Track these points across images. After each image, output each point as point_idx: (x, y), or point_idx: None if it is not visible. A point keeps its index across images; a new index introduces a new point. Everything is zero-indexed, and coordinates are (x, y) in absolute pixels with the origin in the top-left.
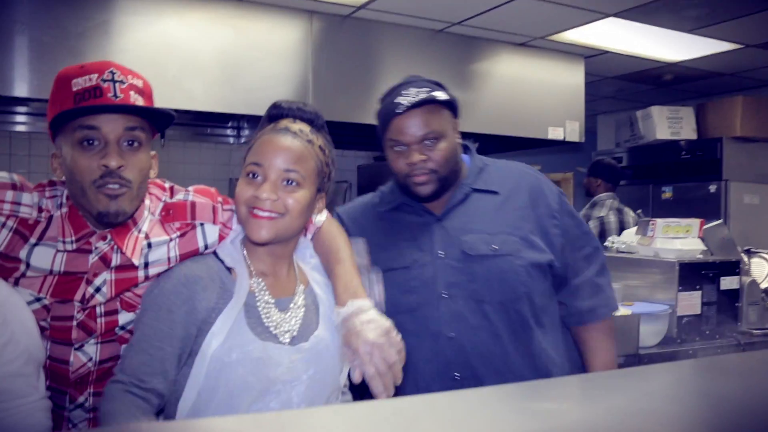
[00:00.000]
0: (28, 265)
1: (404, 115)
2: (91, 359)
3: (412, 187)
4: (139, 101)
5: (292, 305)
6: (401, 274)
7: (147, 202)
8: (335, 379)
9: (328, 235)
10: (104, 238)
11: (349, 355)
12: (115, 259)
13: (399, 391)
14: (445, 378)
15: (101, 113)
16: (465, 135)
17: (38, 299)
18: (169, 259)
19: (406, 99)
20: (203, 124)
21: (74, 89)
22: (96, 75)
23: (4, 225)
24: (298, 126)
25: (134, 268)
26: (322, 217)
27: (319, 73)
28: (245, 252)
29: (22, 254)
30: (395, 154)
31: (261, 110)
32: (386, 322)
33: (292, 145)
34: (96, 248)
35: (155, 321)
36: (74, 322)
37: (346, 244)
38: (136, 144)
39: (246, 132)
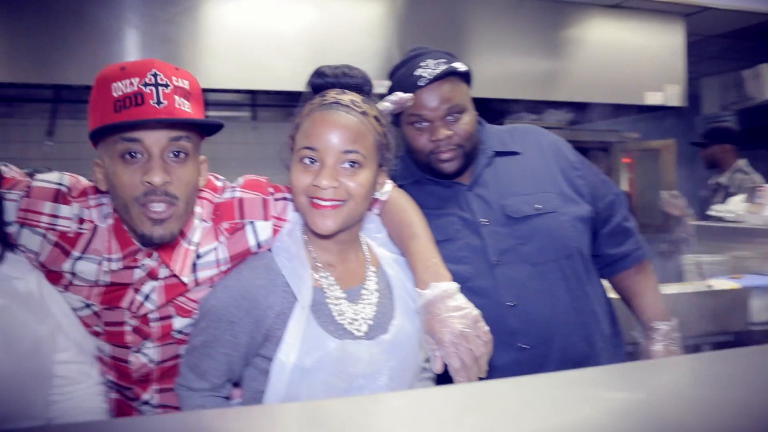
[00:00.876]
0: (73, 274)
1: (426, 88)
2: (151, 360)
3: (436, 165)
4: (185, 105)
5: (364, 292)
6: (446, 246)
7: (198, 209)
8: (416, 365)
9: (397, 208)
10: (150, 255)
11: (431, 343)
12: (163, 273)
13: None
14: (511, 349)
15: (140, 128)
16: (556, 104)
17: (88, 305)
18: (217, 261)
19: (426, 71)
20: (292, 105)
21: (114, 95)
22: (137, 79)
23: (44, 237)
24: (349, 97)
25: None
26: (387, 188)
27: (405, 48)
28: (309, 244)
29: (66, 267)
30: (415, 130)
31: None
32: (474, 310)
33: (348, 122)
34: (143, 264)
35: (217, 331)
36: (127, 328)
37: (418, 216)
38: (182, 155)
39: None
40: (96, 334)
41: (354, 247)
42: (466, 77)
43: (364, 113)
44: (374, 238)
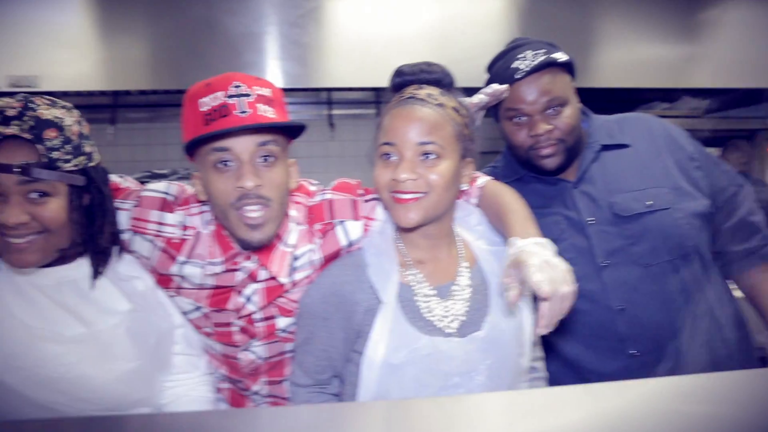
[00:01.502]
0: (182, 278)
1: (524, 80)
2: (259, 357)
3: (537, 161)
4: (269, 112)
5: (455, 288)
6: None
7: (293, 212)
8: (517, 363)
9: (494, 193)
10: (250, 258)
11: (511, 276)
12: (263, 275)
13: (575, 373)
14: (620, 355)
15: (229, 137)
16: (691, 91)
17: (198, 308)
18: (312, 262)
19: (523, 63)
20: None
21: (202, 110)
22: (222, 92)
23: (152, 243)
24: (425, 91)
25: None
26: (483, 178)
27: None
28: (399, 241)
29: (174, 270)
30: (514, 125)
31: (468, 82)
32: (565, 264)
33: (423, 114)
34: (243, 267)
35: (313, 328)
36: (234, 328)
37: (517, 197)
38: (271, 159)
39: None
40: (207, 335)
41: (446, 242)
42: (568, 68)
43: (440, 105)
44: (474, 231)
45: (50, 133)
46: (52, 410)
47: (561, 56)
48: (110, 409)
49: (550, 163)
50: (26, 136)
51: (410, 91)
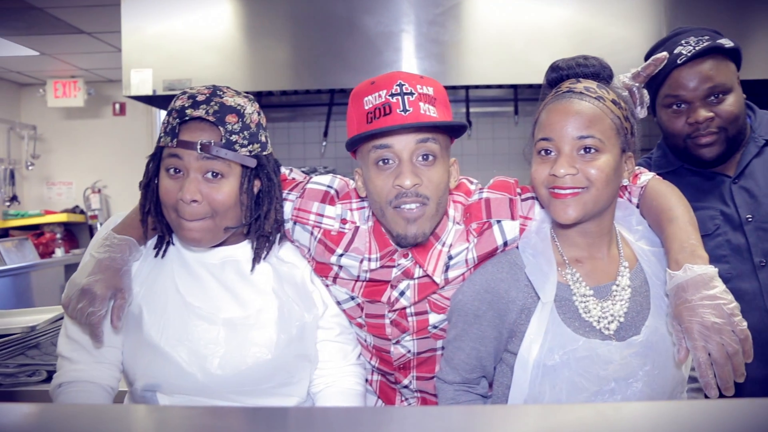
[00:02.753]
0: (340, 267)
1: (686, 66)
2: (409, 351)
3: (695, 150)
4: (431, 111)
5: (614, 288)
6: (704, 242)
7: (451, 212)
8: (676, 372)
9: (656, 194)
10: (406, 255)
11: (677, 331)
12: (418, 272)
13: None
14: None
15: (388, 135)
16: None
17: (352, 298)
18: (467, 261)
19: (685, 48)
20: None
21: (366, 107)
22: (385, 91)
23: (311, 234)
24: (582, 85)
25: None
26: (647, 176)
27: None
28: (556, 240)
29: (332, 260)
30: (672, 113)
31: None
32: (732, 302)
33: (581, 108)
34: (399, 264)
35: (465, 325)
36: (387, 320)
37: (680, 200)
38: (431, 158)
39: None
40: (359, 326)
41: (605, 241)
42: (733, 56)
43: (599, 98)
44: (634, 231)
45: (231, 118)
46: (200, 385)
47: (726, 42)
48: (245, 393)
49: (709, 152)
50: (210, 118)
51: (567, 85)
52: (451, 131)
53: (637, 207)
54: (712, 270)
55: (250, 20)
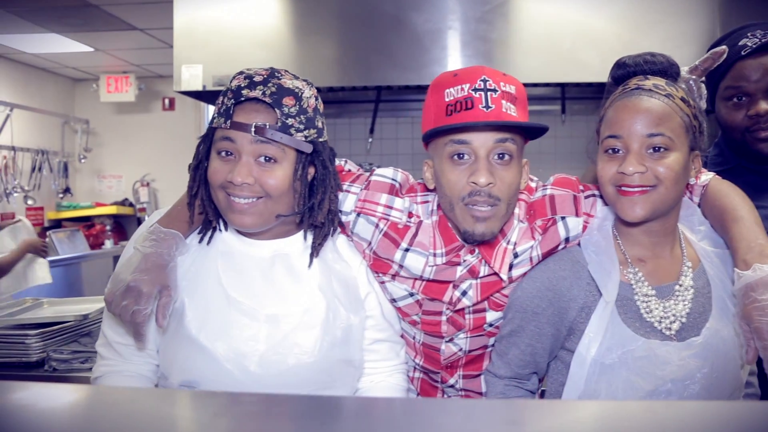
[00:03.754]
0: (401, 266)
1: (750, 57)
2: (461, 349)
3: (754, 144)
4: (511, 110)
5: (677, 288)
6: None
7: (516, 210)
8: (735, 376)
9: (719, 194)
10: (472, 252)
11: (746, 331)
12: (483, 270)
13: None
14: None
15: (469, 131)
16: None
17: (411, 294)
18: (531, 259)
19: (752, 40)
20: (601, 96)
21: (447, 99)
22: (468, 85)
23: (376, 226)
24: (651, 82)
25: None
26: (707, 175)
27: (730, 26)
28: (619, 238)
29: (396, 257)
30: (732, 105)
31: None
32: None
33: (650, 105)
34: (464, 261)
35: (523, 321)
36: (443, 317)
37: (743, 200)
38: (507, 157)
39: None
40: (413, 323)
41: (669, 240)
42: None
43: (668, 96)
44: (697, 231)
45: (288, 101)
46: (237, 383)
47: None
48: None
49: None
50: (267, 100)
51: (635, 82)
52: (528, 132)
53: (698, 206)
54: None
55: (298, 17)
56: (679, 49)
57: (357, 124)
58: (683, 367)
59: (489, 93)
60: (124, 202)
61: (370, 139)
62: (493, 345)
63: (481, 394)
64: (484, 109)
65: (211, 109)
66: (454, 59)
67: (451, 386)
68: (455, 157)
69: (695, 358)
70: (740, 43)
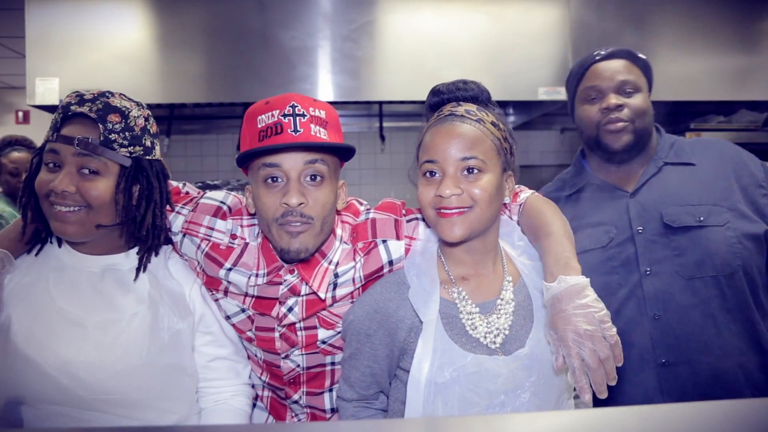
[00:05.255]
0: (229, 283)
1: (602, 61)
2: (299, 365)
3: (605, 137)
4: (321, 133)
5: (499, 302)
6: (598, 254)
7: (338, 231)
8: (560, 380)
9: (533, 211)
10: (292, 272)
11: (554, 340)
12: (304, 290)
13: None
14: (650, 364)
15: (277, 153)
16: (750, 104)
17: (243, 310)
18: (353, 280)
19: (603, 50)
20: None
21: (259, 126)
22: (278, 111)
23: (198, 247)
24: (463, 108)
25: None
26: (526, 193)
27: (580, 53)
28: (443, 258)
29: (221, 275)
30: (587, 104)
31: (522, 95)
32: (602, 310)
33: (463, 131)
34: (285, 280)
35: (358, 344)
36: (276, 334)
37: (555, 215)
38: (318, 178)
39: (511, 118)
40: (249, 339)
41: (490, 258)
42: (644, 68)
43: (479, 120)
44: (516, 247)
45: (114, 118)
46: (68, 392)
47: (639, 53)
48: (115, 402)
49: (617, 140)
50: (92, 115)
51: (448, 108)
52: (341, 154)
53: (518, 224)
54: (584, 280)
55: (162, 31)
56: (536, 70)
57: (224, 140)
58: (513, 379)
59: (298, 118)
60: None
61: (237, 156)
62: (332, 363)
63: (324, 411)
64: (293, 132)
65: None
66: (321, 77)
67: (296, 402)
68: (269, 180)
69: (523, 369)
70: (594, 53)
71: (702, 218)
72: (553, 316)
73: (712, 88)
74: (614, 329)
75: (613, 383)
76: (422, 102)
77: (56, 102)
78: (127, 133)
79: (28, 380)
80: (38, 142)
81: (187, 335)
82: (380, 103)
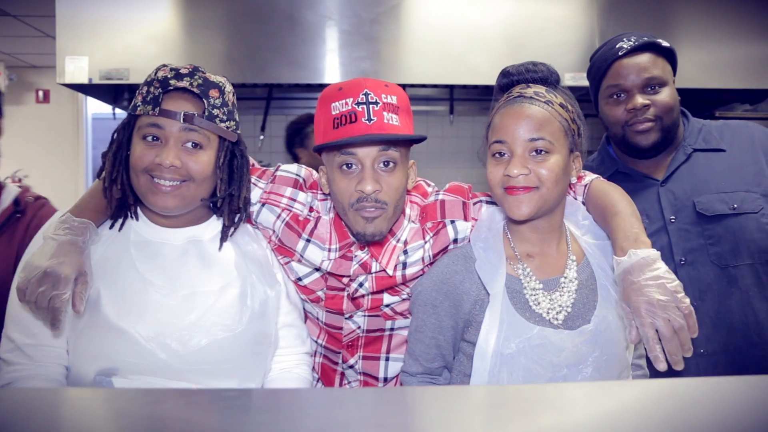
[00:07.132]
0: (302, 257)
1: (626, 57)
2: (359, 327)
3: (632, 137)
4: (393, 120)
5: (562, 281)
6: None
7: (407, 210)
8: (622, 357)
9: (600, 192)
10: (363, 248)
11: (627, 313)
12: (375, 267)
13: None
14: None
15: (353, 147)
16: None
17: (318, 269)
18: (423, 259)
19: (627, 43)
20: (489, 98)
21: (333, 113)
22: (351, 99)
23: (279, 216)
24: (532, 89)
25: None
26: (590, 176)
27: (607, 38)
28: (509, 235)
29: (298, 248)
30: (612, 103)
31: None
32: (674, 280)
33: (531, 112)
34: (356, 257)
35: (424, 315)
36: (345, 293)
37: (622, 196)
38: (391, 164)
39: None
40: (317, 300)
41: (555, 237)
42: (669, 56)
43: (548, 102)
44: (581, 226)
45: (214, 93)
46: (160, 362)
47: (663, 42)
48: (205, 372)
49: (645, 140)
50: (195, 90)
51: (518, 90)
52: (412, 138)
53: (583, 204)
54: (655, 253)
55: (189, 11)
56: (561, 56)
57: (248, 121)
58: (576, 353)
59: (371, 106)
60: None
61: (261, 137)
62: (391, 329)
63: (377, 378)
64: (367, 121)
65: (92, 102)
66: (346, 59)
67: (351, 367)
68: (344, 167)
69: (587, 344)
70: (617, 46)
71: (735, 206)
72: (625, 289)
73: (737, 76)
74: (687, 299)
75: (689, 354)
76: (446, 86)
77: (85, 80)
78: (224, 108)
79: (122, 352)
80: (60, 121)
81: (274, 303)
82: (404, 86)
